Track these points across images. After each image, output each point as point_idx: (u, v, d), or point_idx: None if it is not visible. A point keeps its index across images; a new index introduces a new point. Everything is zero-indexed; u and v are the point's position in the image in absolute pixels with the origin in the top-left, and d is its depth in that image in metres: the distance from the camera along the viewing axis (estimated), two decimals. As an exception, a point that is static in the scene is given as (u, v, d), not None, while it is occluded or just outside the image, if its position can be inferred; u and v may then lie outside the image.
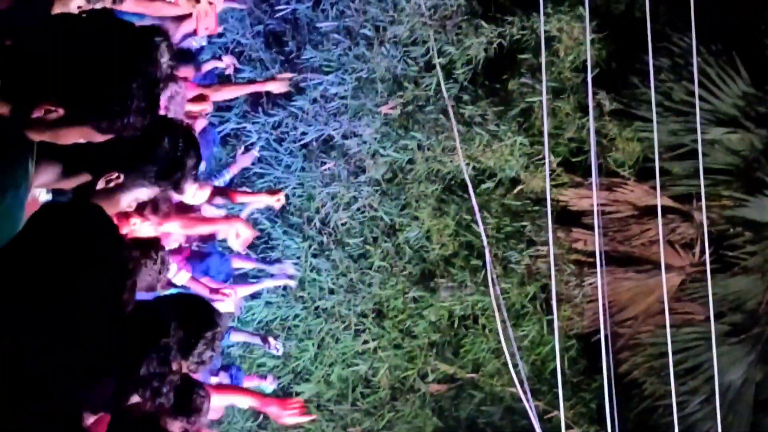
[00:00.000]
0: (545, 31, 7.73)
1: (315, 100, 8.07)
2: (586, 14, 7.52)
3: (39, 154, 2.35)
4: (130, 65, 2.21)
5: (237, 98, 8.20)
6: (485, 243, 7.29)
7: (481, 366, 8.26)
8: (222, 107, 8.19)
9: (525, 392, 6.94)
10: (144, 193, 2.71)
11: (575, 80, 8.15)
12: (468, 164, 7.89)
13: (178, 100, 4.11)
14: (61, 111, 2.17)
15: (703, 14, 8.10)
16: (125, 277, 2.01)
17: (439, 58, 8.19)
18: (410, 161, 8.05)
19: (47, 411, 1.88)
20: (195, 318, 3.17)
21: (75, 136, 2.25)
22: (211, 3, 4.32)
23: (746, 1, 9.08)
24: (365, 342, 7.94)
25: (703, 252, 8.45)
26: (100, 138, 2.27)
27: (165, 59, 2.42)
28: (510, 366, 6.99)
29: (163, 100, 2.89)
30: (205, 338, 3.15)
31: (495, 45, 8.17)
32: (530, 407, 6.83)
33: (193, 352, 3.13)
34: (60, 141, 2.26)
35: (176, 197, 4.22)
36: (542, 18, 7.25)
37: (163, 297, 3.48)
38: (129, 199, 2.70)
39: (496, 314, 7.12)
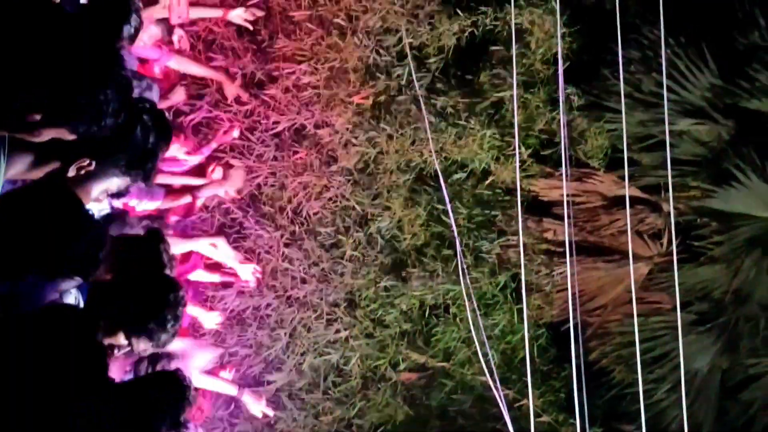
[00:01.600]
0: (517, 24, 7.78)
1: (287, 90, 8.06)
2: (557, 7, 7.57)
3: (10, 146, 2.36)
4: (104, 72, 2.24)
5: (208, 87, 8.20)
6: (455, 233, 7.34)
7: (452, 355, 8.32)
8: (193, 95, 8.17)
9: (495, 381, 7.01)
10: (115, 183, 2.72)
11: (546, 73, 8.22)
12: (439, 155, 7.93)
13: (151, 94, 4.13)
14: (37, 117, 2.19)
15: (673, 6, 8.19)
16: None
17: (411, 48, 8.22)
18: (382, 152, 8.07)
19: None
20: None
21: (50, 135, 2.28)
22: (183, -8, 4.30)
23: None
24: (337, 331, 7.97)
25: (670, 242, 8.57)
26: (73, 137, 2.30)
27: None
28: (480, 355, 7.05)
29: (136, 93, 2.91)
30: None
31: (467, 34, 8.20)
32: (499, 396, 6.91)
33: None
34: (35, 140, 2.28)
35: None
36: (513, 11, 7.30)
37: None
38: (100, 189, 2.71)
39: (467, 304, 7.18)
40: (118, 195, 2.99)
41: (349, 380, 8.11)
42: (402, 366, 8.30)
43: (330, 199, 8.07)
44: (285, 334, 7.81)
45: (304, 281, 7.94)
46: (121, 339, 3.29)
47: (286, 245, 7.93)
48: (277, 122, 8.00)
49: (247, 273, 6.77)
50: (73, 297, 3.03)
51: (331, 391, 8.10)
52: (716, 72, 8.85)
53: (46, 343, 2.11)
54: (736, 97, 8.78)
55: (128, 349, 3.33)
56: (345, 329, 7.98)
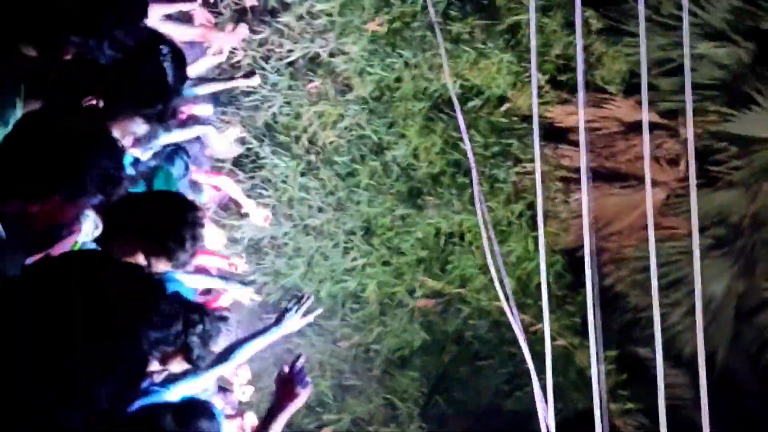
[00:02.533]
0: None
1: (301, 17, 7.98)
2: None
3: (26, 94, 2.38)
4: None
5: (222, 14, 8.12)
6: (472, 161, 7.33)
7: (467, 281, 8.40)
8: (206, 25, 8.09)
9: (510, 307, 7.08)
10: (132, 126, 2.73)
11: (563, -4, 8.08)
12: (455, 82, 7.86)
13: None
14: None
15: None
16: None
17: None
18: (397, 79, 8.02)
19: None
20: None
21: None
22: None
23: None
24: (354, 259, 8.04)
25: (688, 167, 8.51)
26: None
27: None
28: (496, 282, 7.11)
29: None
30: None
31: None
32: (515, 321, 6.99)
33: None
34: None
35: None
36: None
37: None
38: (117, 134, 2.72)
39: (482, 232, 7.20)
40: (146, 140, 3.00)
41: (366, 307, 8.22)
42: (418, 292, 8.40)
43: (345, 127, 8.06)
44: (302, 262, 7.89)
45: (320, 210, 7.99)
46: (140, 259, 3.32)
47: (302, 174, 7.96)
48: (291, 50, 7.94)
49: (259, 217, 6.65)
50: (91, 220, 3.05)
51: (348, 318, 8.22)
52: (737, -7, 8.69)
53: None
54: (757, 19, 8.62)
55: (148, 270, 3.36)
56: (362, 257, 8.06)
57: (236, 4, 8.13)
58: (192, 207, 3.28)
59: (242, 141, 7.74)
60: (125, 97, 2.72)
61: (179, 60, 3.32)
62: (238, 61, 7.93)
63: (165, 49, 3.23)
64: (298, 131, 7.99)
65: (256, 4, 8.16)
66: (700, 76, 8.74)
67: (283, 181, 7.84)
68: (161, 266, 3.17)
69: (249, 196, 7.79)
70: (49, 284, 2.00)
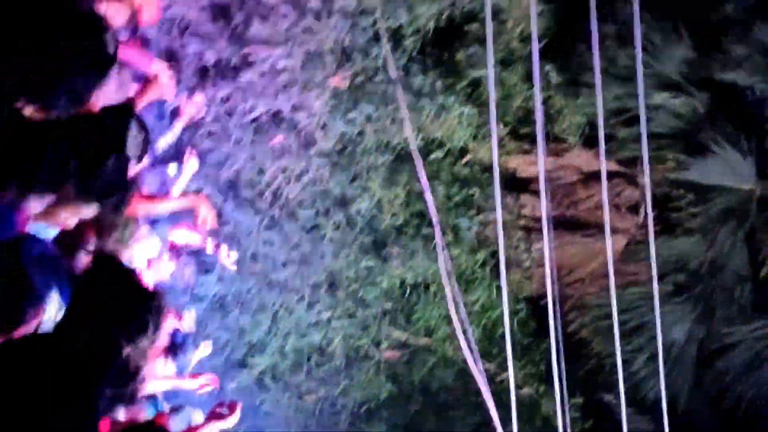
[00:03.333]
0: (494, 2, 7.78)
1: (263, 74, 8.05)
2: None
3: None
4: None
5: (184, 72, 8.19)
6: (433, 213, 7.40)
7: (433, 332, 8.45)
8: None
9: (474, 357, 7.13)
10: (83, 209, 2.75)
11: (523, 51, 8.24)
12: (417, 135, 7.97)
13: None
14: None
15: (646, -21, 8.21)
16: None
17: (387, 28, 8.22)
18: (360, 133, 8.11)
19: None
20: None
21: None
22: (153, -8, 4.28)
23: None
24: (319, 312, 8.07)
25: (647, 214, 8.68)
26: None
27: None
28: (459, 332, 7.17)
29: None
30: None
31: (445, 15, 8.22)
32: (478, 372, 7.03)
33: None
34: None
35: None
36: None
37: None
38: (67, 216, 2.74)
39: (445, 282, 7.27)
40: None
41: (332, 360, 8.23)
42: (384, 344, 8.43)
43: (309, 181, 8.11)
44: (267, 317, 7.90)
45: (285, 264, 8.02)
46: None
47: (267, 229, 7.99)
48: (254, 107, 8.00)
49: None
50: (55, 302, 3.06)
51: (314, 372, 8.22)
52: (690, 45, 8.91)
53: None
54: (710, 70, 8.85)
55: None
56: (327, 310, 8.08)
57: (199, 61, 8.21)
58: (155, 294, 3.30)
59: (206, 198, 7.75)
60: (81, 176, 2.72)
61: (141, 126, 3.35)
62: (202, 118, 7.97)
63: (132, 123, 3.27)
64: (261, 186, 8.03)
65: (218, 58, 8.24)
66: (657, 126, 8.95)
67: (247, 236, 7.86)
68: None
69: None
70: (10, 369, 2.03)
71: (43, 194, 2.59)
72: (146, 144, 3.58)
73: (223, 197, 7.97)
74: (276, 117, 8.12)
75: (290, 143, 8.04)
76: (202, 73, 7.98)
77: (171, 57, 8.08)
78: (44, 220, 2.79)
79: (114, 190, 2.91)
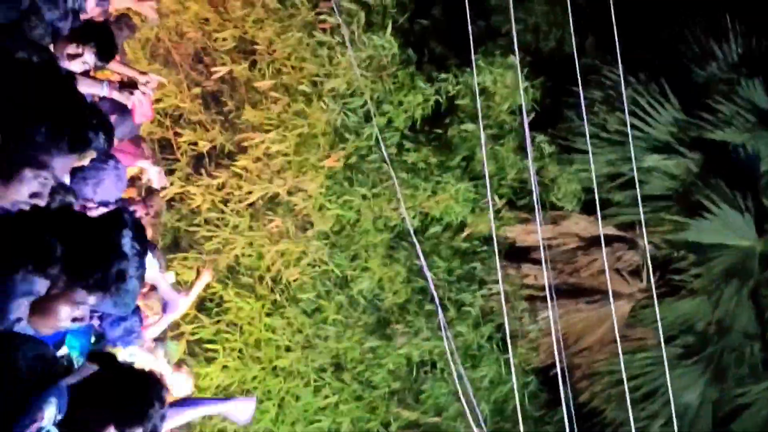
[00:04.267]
0: (479, 83, 7.88)
1: (258, 159, 8.09)
2: (517, 62, 7.68)
3: None
4: None
5: (179, 161, 8.22)
6: (433, 290, 7.34)
7: (443, 410, 8.29)
8: (164, 171, 8.17)
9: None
10: (76, 297, 2.69)
11: (513, 123, 8.31)
12: (414, 213, 7.97)
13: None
14: None
15: (630, 45, 8.35)
16: None
17: (377, 109, 8.29)
18: (357, 213, 8.10)
19: None
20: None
21: None
22: (144, 93, 4.33)
23: (670, 29, 9.38)
24: (326, 397, 7.92)
25: (649, 278, 8.63)
26: None
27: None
28: (467, 411, 7.02)
29: None
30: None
31: (432, 102, 8.31)
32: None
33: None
34: None
35: None
36: (475, 76, 7.41)
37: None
38: (67, 312, 2.68)
39: (449, 359, 7.16)
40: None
41: (342, 445, 8.05)
42: (394, 425, 8.26)
43: (309, 264, 8.06)
44: (273, 405, 7.75)
45: (288, 349, 7.91)
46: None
47: (268, 315, 7.90)
48: (249, 192, 8.01)
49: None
50: (54, 405, 2.98)
51: (324, 458, 8.03)
52: (678, 106, 9.00)
53: None
54: (700, 130, 8.92)
55: None
56: (333, 394, 7.94)
57: (192, 149, 8.25)
58: (150, 376, 3.23)
59: (206, 286, 7.69)
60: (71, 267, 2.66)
61: (139, 232, 3.31)
62: (198, 206, 7.97)
63: (127, 221, 3.23)
64: (261, 271, 7.97)
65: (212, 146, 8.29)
66: (651, 188, 8.98)
67: (249, 323, 7.76)
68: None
69: (215, 341, 7.74)
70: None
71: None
72: (145, 248, 3.54)
73: (223, 285, 7.90)
74: (272, 201, 8.12)
75: (288, 227, 8.02)
76: (197, 159, 8.02)
77: (165, 147, 8.15)
78: (41, 319, 2.73)
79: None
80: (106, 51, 4.18)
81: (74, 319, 2.74)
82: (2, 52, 2.62)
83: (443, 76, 8.17)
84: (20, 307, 2.44)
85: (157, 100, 8.15)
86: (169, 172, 8.16)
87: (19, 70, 2.52)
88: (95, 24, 4.33)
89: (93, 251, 2.78)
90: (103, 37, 4.20)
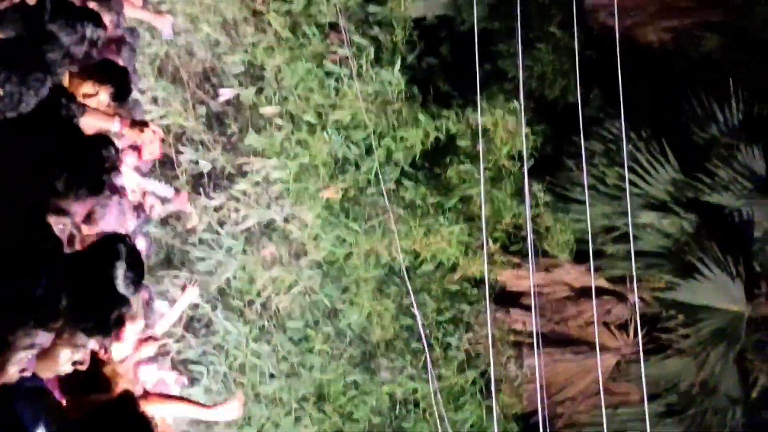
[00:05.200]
0: (480, 124, 7.95)
1: (257, 184, 8.11)
2: (521, 108, 7.76)
3: None
4: None
5: (179, 178, 8.23)
6: (421, 329, 7.33)
7: (422, 449, 8.24)
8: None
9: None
10: (77, 340, 2.67)
11: (512, 168, 8.36)
12: (407, 250, 8.00)
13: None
14: None
15: (634, 100, 8.43)
16: None
17: (379, 143, 8.35)
18: (351, 245, 8.11)
19: None
20: None
21: None
22: (155, 132, 4.37)
23: (674, 89, 9.47)
24: (306, 427, 7.87)
25: (636, 333, 8.65)
26: None
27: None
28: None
29: None
30: None
31: (432, 138, 8.37)
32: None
33: None
34: None
35: None
36: (479, 115, 7.47)
37: None
38: (67, 355, 2.66)
39: (432, 400, 7.13)
40: None
41: (318, 477, 7.99)
42: (372, 461, 8.20)
43: (299, 292, 8.05)
44: (253, 431, 7.69)
45: (272, 376, 7.87)
46: None
47: (255, 340, 7.87)
48: (246, 216, 8.02)
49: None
50: None
51: (299, 489, 7.96)
52: (677, 166, 9.07)
53: None
54: (697, 191, 8.98)
55: None
56: (314, 425, 7.89)
57: (193, 168, 8.27)
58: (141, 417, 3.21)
59: (194, 306, 7.68)
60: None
61: (135, 261, 3.30)
62: (194, 227, 7.97)
63: (121, 249, 3.23)
64: (251, 296, 7.96)
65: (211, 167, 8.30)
66: (645, 244, 9.02)
67: (236, 347, 7.73)
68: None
69: (200, 363, 7.70)
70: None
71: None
72: (140, 276, 3.53)
73: (212, 307, 7.88)
74: (268, 227, 8.13)
75: (281, 254, 8.03)
76: (197, 179, 8.04)
77: (165, 164, 8.15)
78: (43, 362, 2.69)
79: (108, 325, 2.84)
80: (122, 92, 4.22)
81: (74, 363, 2.70)
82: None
83: (446, 113, 8.23)
84: (23, 360, 2.43)
85: (161, 117, 8.20)
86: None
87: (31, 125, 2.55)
88: (113, 64, 4.35)
89: (92, 293, 2.74)
90: (120, 78, 4.23)
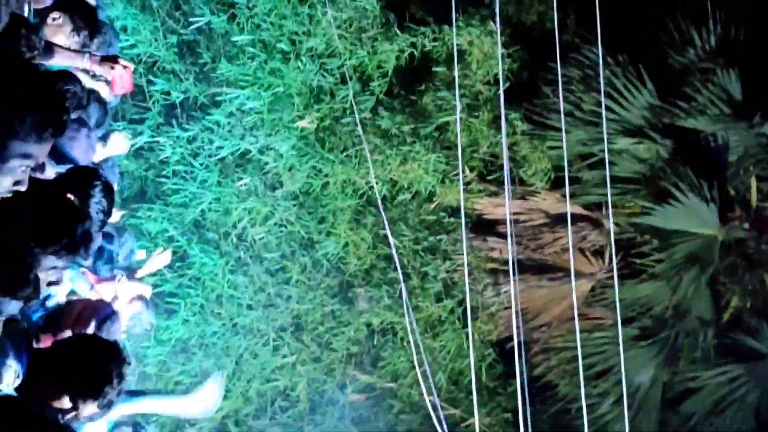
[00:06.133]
0: (456, 44, 7.84)
1: (231, 114, 8.00)
2: (497, 29, 7.65)
3: None
4: None
5: (151, 110, 8.09)
6: (397, 259, 7.34)
7: (399, 376, 8.35)
8: (135, 120, 8.06)
9: (436, 407, 7.04)
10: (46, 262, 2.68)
11: (488, 94, 8.29)
12: (384, 179, 7.96)
13: None
14: None
15: (610, 26, 8.33)
16: None
17: (355, 70, 8.23)
18: (327, 176, 8.06)
19: None
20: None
21: None
22: (126, 67, 4.28)
23: (651, 13, 9.38)
24: (284, 356, 7.94)
25: (611, 259, 8.73)
26: None
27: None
28: (421, 381, 7.08)
29: None
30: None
31: (407, 54, 8.26)
32: (440, 419, 6.93)
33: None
34: None
35: None
36: (455, 31, 7.36)
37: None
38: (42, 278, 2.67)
39: (409, 331, 7.19)
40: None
41: (296, 405, 8.09)
42: (350, 388, 8.31)
43: (275, 223, 8.03)
44: (231, 361, 7.75)
45: (250, 307, 7.90)
46: (65, 402, 3.23)
47: (231, 272, 7.87)
48: (220, 147, 7.93)
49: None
50: (12, 370, 2.97)
51: (278, 416, 8.07)
52: (653, 91, 9.04)
53: None
54: (673, 117, 8.98)
55: (73, 414, 3.28)
56: (292, 354, 7.96)
57: (165, 99, 8.13)
58: (114, 346, 3.24)
59: (170, 239, 7.65)
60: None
61: (105, 193, 3.32)
62: (167, 157, 7.88)
63: (96, 183, 3.24)
64: (227, 228, 7.93)
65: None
66: (621, 170, 9.05)
67: (212, 279, 7.73)
68: (88, 408, 3.08)
69: (176, 295, 7.71)
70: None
71: None
72: (110, 207, 3.53)
73: (187, 239, 7.84)
74: (242, 158, 8.05)
75: (256, 185, 7.97)
76: (169, 109, 7.91)
77: (136, 95, 8.01)
78: None
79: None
80: (91, 29, 4.13)
81: (49, 284, 2.74)
82: None
83: (422, 29, 8.12)
84: (16, 171, 2.44)
85: (131, 46, 8.01)
86: (140, 121, 8.06)
87: None
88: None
89: (57, 217, 2.77)
90: (87, 15, 4.14)
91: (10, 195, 2.46)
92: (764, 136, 8.88)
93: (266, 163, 7.95)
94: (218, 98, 7.98)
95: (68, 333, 3.52)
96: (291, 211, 8.03)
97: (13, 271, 2.51)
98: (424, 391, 7.11)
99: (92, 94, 4.43)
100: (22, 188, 2.47)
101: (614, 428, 8.95)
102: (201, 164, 7.90)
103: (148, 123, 8.02)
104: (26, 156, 2.41)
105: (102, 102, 4.68)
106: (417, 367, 7.05)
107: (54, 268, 2.74)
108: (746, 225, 8.97)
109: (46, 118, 2.40)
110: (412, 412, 8.58)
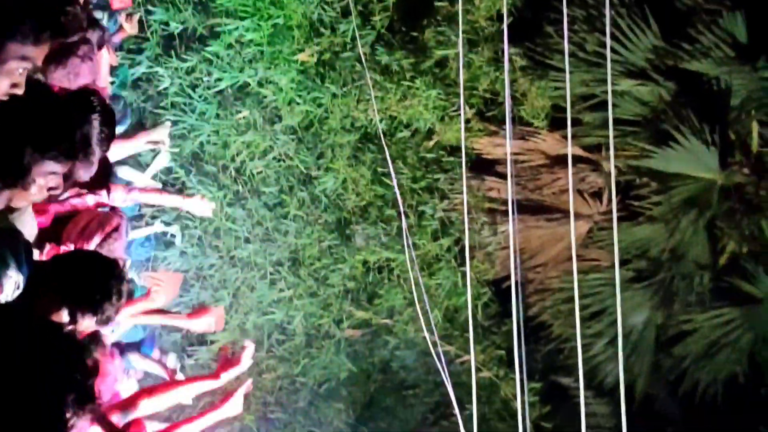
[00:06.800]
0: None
1: (230, 46, 7.91)
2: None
3: None
4: None
5: (149, 40, 8.00)
6: (398, 196, 7.32)
7: (396, 313, 8.40)
8: (133, 50, 7.98)
9: (434, 342, 7.09)
10: (45, 167, 2.67)
11: (490, 30, 8.19)
12: (384, 114, 7.90)
13: None
14: None
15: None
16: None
17: (356, 3, 8.12)
18: (326, 110, 8.00)
19: None
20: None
21: None
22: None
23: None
24: (281, 290, 7.97)
25: (610, 201, 8.71)
26: None
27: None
28: (421, 317, 7.12)
29: None
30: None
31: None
32: (439, 355, 6.99)
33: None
34: None
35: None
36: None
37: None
38: (41, 183, 2.65)
39: (409, 269, 7.21)
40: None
41: (292, 338, 8.15)
42: (345, 323, 8.36)
43: (274, 158, 7.99)
44: (228, 294, 7.78)
45: (247, 241, 7.90)
46: (64, 316, 3.25)
47: (229, 205, 7.86)
48: (219, 79, 7.86)
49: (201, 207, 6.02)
50: (12, 281, 2.96)
51: (274, 350, 8.13)
52: (658, 33, 8.93)
53: None
54: (677, 59, 8.88)
55: (71, 327, 3.29)
56: (289, 288, 7.99)
57: (164, 30, 8.03)
58: (114, 263, 3.24)
59: (168, 171, 7.62)
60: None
61: (108, 115, 3.29)
62: (165, 88, 7.82)
63: (96, 102, 3.22)
64: (225, 161, 7.89)
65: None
66: (622, 112, 8.97)
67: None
68: (86, 323, 3.09)
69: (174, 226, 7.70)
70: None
71: None
72: (112, 134, 3.50)
73: (186, 171, 7.82)
74: (241, 91, 7.98)
75: (255, 118, 7.91)
76: (168, 40, 7.82)
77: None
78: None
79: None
80: None
81: (50, 189, 2.72)
82: None
83: None
84: (13, 73, 2.43)
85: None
86: (138, 51, 7.97)
87: None
88: None
89: (56, 121, 2.75)
90: None
91: (7, 98, 2.44)
92: (768, 81, 8.81)
93: (265, 97, 7.88)
94: (217, 29, 7.88)
95: (71, 246, 3.52)
96: (290, 145, 7.99)
97: (11, 175, 2.49)
98: (423, 327, 7.14)
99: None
100: (19, 92, 2.44)
101: (607, 369, 9.04)
102: (200, 96, 7.84)
103: (146, 53, 7.93)
104: (24, 58, 2.38)
105: None
106: (417, 304, 7.08)
107: (53, 173, 2.72)
108: (746, 170, 8.93)
109: (44, 20, 2.37)
110: (407, 349, 8.65)
